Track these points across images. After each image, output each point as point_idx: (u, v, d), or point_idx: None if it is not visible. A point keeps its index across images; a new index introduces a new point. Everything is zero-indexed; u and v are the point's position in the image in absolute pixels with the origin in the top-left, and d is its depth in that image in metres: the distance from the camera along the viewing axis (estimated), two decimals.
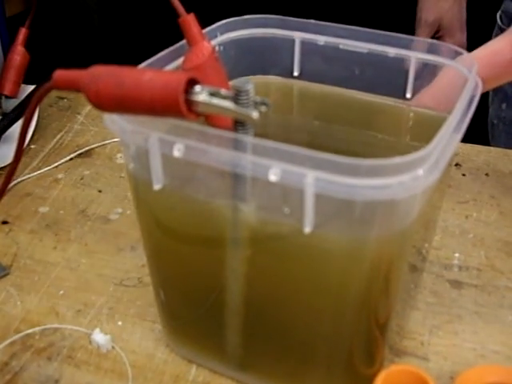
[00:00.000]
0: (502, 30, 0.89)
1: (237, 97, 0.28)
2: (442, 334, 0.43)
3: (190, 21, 0.37)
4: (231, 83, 0.28)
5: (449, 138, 0.31)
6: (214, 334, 0.39)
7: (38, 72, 0.67)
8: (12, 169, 0.39)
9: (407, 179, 0.28)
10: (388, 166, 0.27)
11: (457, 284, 0.47)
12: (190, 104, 0.28)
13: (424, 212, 0.33)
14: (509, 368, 0.39)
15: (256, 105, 0.28)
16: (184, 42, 0.38)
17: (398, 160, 0.27)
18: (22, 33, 0.64)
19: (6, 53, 0.65)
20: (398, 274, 0.34)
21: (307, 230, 0.29)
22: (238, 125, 0.29)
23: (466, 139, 1.05)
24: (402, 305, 0.41)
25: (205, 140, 0.29)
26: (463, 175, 0.58)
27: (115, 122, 0.32)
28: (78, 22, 0.92)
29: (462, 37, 0.86)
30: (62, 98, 0.72)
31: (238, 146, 0.29)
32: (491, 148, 0.63)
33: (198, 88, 0.28)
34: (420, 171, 0.28)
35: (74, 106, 0.70)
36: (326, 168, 0.27)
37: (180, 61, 0.38)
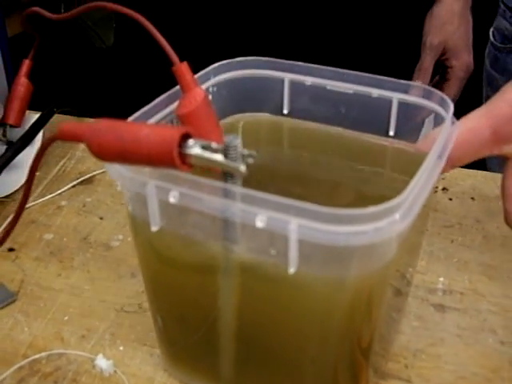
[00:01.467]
0: (494, 47, 0.91)
1: (226, 150, 0.31)
2: (425, 356, 0.46)
3: (183, 69, 0.40)
4: (223, 136, 0.31)
5: (424, 182, 0.34)
6: (208, 359, 0.42)
7: (39, 97, 0.70)
8: (21, 208, 0.42)
9: (383, 225, 0.30)
10: (364, 215, 0.30)
11: (440, 308, 0.50)
12: (184, 157, 0.31)
13: (407, 239, 0.36)
14: None
15: (244, 157, 0.31)
16: (178, 87, 0.41)
17: (373, 209, 0.30)
18: (26, 64, 0.67)
19: (10, 83, 0.68)
20: (379, 303, 0.37)
21: (291, 270, 0.32)
22: (228, 175, 0.32)
23: None
24: (387, 329, 0.44)
25: (198, 188, 0.32)
26: (450, 199, 0.61)
27: (115, 169, 0.35)
28: (79, 52, 0.96)
29: (469, 58, 0.88)
30: None
31: (227, 194, 0.32)
32: (478, 172, 0.65)
33: (191, 142, 0.31)
34: (395, 216, 0.31)
35: None
36: (308, 216, 0.30)
37: (175, 105, 0.41)
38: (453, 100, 0.93)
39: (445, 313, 0.49)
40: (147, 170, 0.34)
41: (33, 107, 0.69)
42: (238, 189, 0.32)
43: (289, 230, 0.30)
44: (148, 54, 0.40)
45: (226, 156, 0.31)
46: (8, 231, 0.43)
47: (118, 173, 0.35)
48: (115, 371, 0.45)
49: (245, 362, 0.40)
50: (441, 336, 0.47)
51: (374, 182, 0.45)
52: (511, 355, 0.46)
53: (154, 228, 0.35)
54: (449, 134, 0.38)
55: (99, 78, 0.97)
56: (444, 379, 0.44)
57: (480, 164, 0.75)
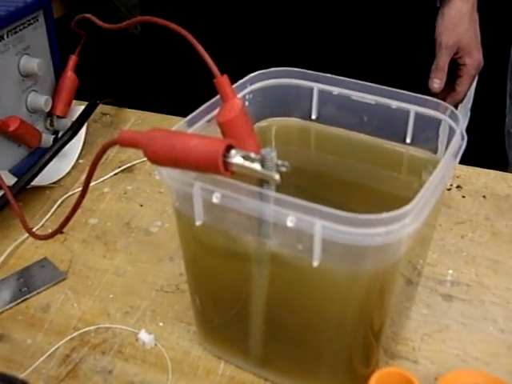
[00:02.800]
0: None
1: (263, 161, 0.37)
2: (431, 341, 0.52)
3: (223, 81, 0.46)
4: (258, 143, 0.37)
5: (432, 190, 0.40)
6: (239, 336, 0.48)
7: (83, 88, 0.76)
8: (80, 199, 0.48)
9: (394, 228, 0.36)
10: (378, 219, 0.36)
11: (448, 298, 0.56)
12: (227, 165, 0.37)
13: (418, 234, 0.42)
14: (485, 372, 0.48)
15: (278, 167, 0.37)
16: (218, 97, 0.47)
17: (386, 215, 0.36)
18: (72, 59, 0.74)
19: (58, 77, 0.74)
20: (390, 293, 0.43)
21: (315, 263, 0.38)
22: (264, 181, 0.38)
23: (483, 147, 1.13)
24: (398, 315, 0.50)
25: (237, 191, 0.39)
26: (463, 197, 0.67)
27: (166, 172, 0.41)
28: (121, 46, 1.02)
29: (479, 55, 0.94)
30: (105, 114, 0.81)
31: (263, 198, 0.38)
32: (491, 171, 0.71)
33: (233, 152, 0.37)
34: (405, 221, 0.37)
35: (116, 122, 0.80)
36: (331, 219, 0.36)
37: (215, 112, 0.47)
38: (464, 94, 0.98)
39: (452, 302, 0.55)
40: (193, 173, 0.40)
41: (78, 97, 0.76)
42: (272, 193, 0.38)
43: (314, 230, 0.37)
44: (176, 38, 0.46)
45: (262, 165, 0.37)
46: (68, 218, 0.50)
47: (169, 175, 0.41)
48: (156, 344, 0.52)
49: (271, 339, 0.47)
50: (447, 323, 0.53)
51: (391, 184, 0.51)
52: (510, 342, 0.52)
53: (198, 223, 0.41)
54: (457, 146, 0.44)
55: (134, 65, 1.03)
56: (447, 362, 0.50)
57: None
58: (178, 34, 0.47)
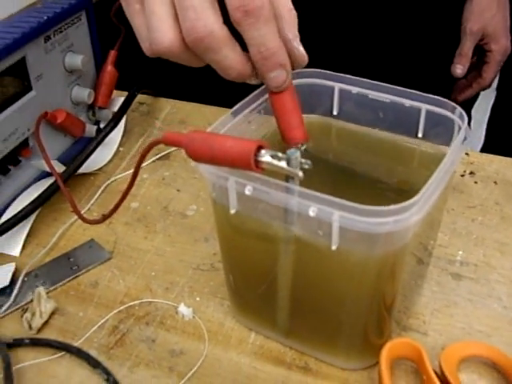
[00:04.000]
0: None
1: (289, 159, 0.44)
2: (440, 315, 0.59)
3: None
4: (287, 150, 0.44)
5: (436, 184, 0.46)
6: (268, 309, 0.55)
7: (123, 78, 0.84)
8: (128, 189, 0.55)
9: (401, 218, 0.43)
10: (387, 210, 0.43)
11: (457, 276, 0.62)
12: (258, 162, 0.44)
13: (428, 215, 0.48)
14: (486, 344, 0.55)
15: (301, 164, 0.44)
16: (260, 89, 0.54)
17: (393, 206, 0.43)
18: (112, 54, 0.81)
19: (98, 70, 0.82)
20: (399, 273, 0.50)
21: (334, 247, 0.45)
22: (289, 177, 0.45)
23: (500, 137, 1.18)
24: (410, 291, 0.57)
25: (266, 185, 0.45)
26: (475, 182, 0.73)
27: (205, 167, 0.48)
28: None
29: (507, 42, 0.98)
30: (142, 104, 0.89)
31: (289, 191, 0.45)
32: (503, 158, 0.77)
33: (263, 152, 0.44)
34: (411, 211, 0.44)
35: (152, 111, 0.87)
36: (347, 210, 0.43)
37: (258, 102, 0.55)
38: (490, 80, 1.03)
39: (460, 281, 0.62)
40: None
41: (117, 87, 0.83)
42: (296, 187, 0.45)
43: (332, 219, 0.44)
44: None
45: (288, 163, 0.44)
46: (117, 206, 0.57)
47: (207, 170, 0.48)
48: (193, 317, 0.59)
49: (295, 312, 0.54)
50: (455, 300, 0.60)
51: (404, 174, 0.58)
52: (511, 317, 0.58)
53: (232, 211, 0.49)
54: (460, 144, 0.51)
55: None
56: (454, 334, 0.57)
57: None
58: None
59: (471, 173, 0.75)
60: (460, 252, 0.65)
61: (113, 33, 0.81)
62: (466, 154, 0.77)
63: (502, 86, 1.21)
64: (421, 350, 0.51)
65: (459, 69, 0.96)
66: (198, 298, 0.61)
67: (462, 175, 0.74)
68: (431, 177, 0.46)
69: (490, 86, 1.03)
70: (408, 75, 0.91)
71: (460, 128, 0.53)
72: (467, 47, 0.98)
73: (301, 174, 0.44)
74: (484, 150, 1.24)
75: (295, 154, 0.44)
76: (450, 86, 1.04)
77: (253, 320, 0.58)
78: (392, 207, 0.43)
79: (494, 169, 0.75)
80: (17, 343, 0.57)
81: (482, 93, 1.06)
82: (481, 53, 1.00)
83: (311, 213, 0.44)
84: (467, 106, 1.10)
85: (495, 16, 0.97)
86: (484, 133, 1.27)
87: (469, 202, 0.71)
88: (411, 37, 0.99)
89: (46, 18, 0.71)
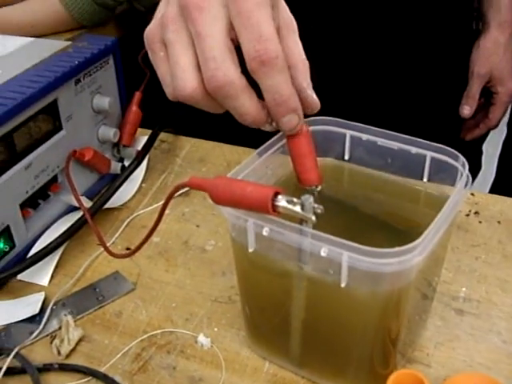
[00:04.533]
0: None
1: (303, 205, 0.49)
2: (443, 348, 0.63)
3: None
4: (302, 196, 0.49)
5: (437, 227, 0.51)
6: (281, 340, 0.60)
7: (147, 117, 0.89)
8: (155, 225, 0.60)
9: (405, 259, 0.48)
10: (392, 252, 0.47)
11: (460, 312, 0.67)
12: (275, 207, 0.49)
13: (432, 254, 0.53)
14: (486, 375, 0.59)
15: (314, 209, 0.49)
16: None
17: (398, 248, 0.47)
18: (137, 96, 0.87)
19: (124, 110, 0.87)
20: (404, 308, 0.54)
21: (343, 284, 0.50)
22: (303, 220, 0.50)
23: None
24: (415, 325, 0.62)
25: (282, 227, 0.50)
26: (480, 222, 0.78)
27: (226, 209, 0.53)
28: None
29: None
30: (164, 141, 0.94)
31: (302, 233, 0.50)
32: (507, 198, 0.81)
33: (280, 197, 0.49)
34: (414, 253, 0.48)
35: (173, 149, 0.93)
36: (355, 251, 0.48)
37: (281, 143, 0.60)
38: (497, 120, 1.08)
39: (463, 316, 0.66)
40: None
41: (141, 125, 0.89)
42: (309, 230, 0.50)
43: (342, 260, 0.48)
44: None
45: (302, 208, 0.49)
46: (143, 242, 0.62)
47: (228, 211, 0.53)
48: (211, 346, 0.64)
49: (307, 343, 0.58)
50: (457, 334, 0.64)
51: (410, 214, 0.62)
52: (510, 351, 0.63)
53: (250, 249, 0.54)
54: (461, 190, 0.55)
55: None
56: (456, 366, 0.61)
57: None
58: None
59: (476, 212, 0.79)
60: (463, 289, 0.69)
61: (138, 75, 0.86)
62: (472, 194, 0.82)
63: None
64: (424, 380, 0.56)
65: (466, 110, 1.01)
66: (215, 329, 0.65)
67: (467, 215, 0.79)
68: (433, 221, 0.51)
69: (497, 126, 1.08)
70: (417, 116, 0.96)
71: (462, 175, 0.57)
72: (474, 89, 1.03)
73: (313, 218, 0.49)
74: (495, 184, 1.28)
75: (309, 199, 0.49)
76: (458, 125, 1.09)
77: (267, 350, 0.62)
78: (396, 249, 0.48)
79: (498, 209, 0.80)
80: (46, 368, 0.62)
81: None
82: (488, 94, 1.05)
83: (322, 253, 0.49)
84: (479, 140, 1.16)
85: (502, 60, 1.02)
86: (496, 166, 1.31)
87: (473, 240, 0.75)
88: (421, 79, 1.04)
89: (76, 62, 0.77)
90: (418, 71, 1.04)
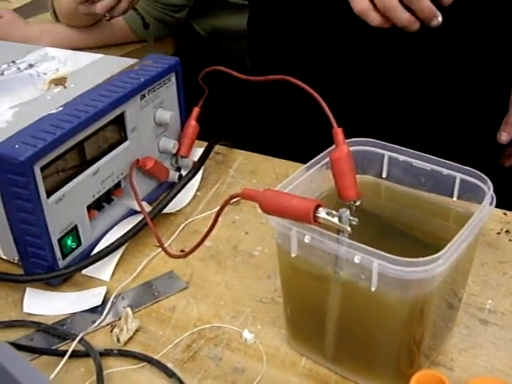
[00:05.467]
0: None
1: (340, 217, 0.56)
2: (466, 354, 0.69)
3: (338, 131, 0.65)
4: (340, 210, 0.56)
5: (460, 241, 0.57)
6: (317, 338, 0.67)
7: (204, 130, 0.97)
8: (208, 232, 0.67)
9: (429, 268, 0.55)
10: (418, 261, 0.54)
11: (484, 322, 0.73)
12: (316, 218, 0.56)
13: (456, 266, 0.59)
14: (503, 381, 0.65)
15: (350, 221, 0.56)
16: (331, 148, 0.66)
17: (424, 258, 0.54)
18: (195, 111, 0.95)
19: (183, 124, 0.95)
20: (428, 313, 0.60)
21: (373, 289, 0.57)
22: (340, 230, 0.57)
23: None
24: (441, 332, 0.68)
25: (322, 236, 0.58)
26: (510, 240, 0.84)
27: (273, 218, 0.60)
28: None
29: None
30: (218, 153, 1.02)
31: (339, 241, 0.57)
32: None
33: (320, 209, 0.56)
34: (438, 263, 0.55)
35: (226, 160, 1.01)
36: (385, 260, 0.55)
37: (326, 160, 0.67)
38: None
39: (487, 326, 0.72)
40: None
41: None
42: (345, 239, 0.57)
43: (373, 266, 0.55)
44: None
45: (339, 220, 0.56)
46: (198, 245, 0.69)
47: (274, 220, 0.60)
48: (255, 341, 0.71)
49: (341, 342, 0.65)
50: (480, 342, 0.70)
51: (439, 230, 0.69)
52: None
53: (293, 255, 0.61)
54: (485, 208, 0.62)
55: (245, 110, 1.24)
56: (476, 371, 0.67)
57: None
58: (297, 88, 0.66)
59: (507, 231, 0.85)
60: (489, 301, 0.75)
61: (196, 91, 0.94)
62: (504, 214, 0.88)
63: None
64: (445, 381, 0.62)
65: (504, 136, 1.06)
66: (259, 326, 0.73)
67: (499, 233, 0.84)
68: (456, 235, 0.57)
69: None
70: (454, 139, 1.02)
71: (487, 194, 0.64)
72: None
73: (349, 229, 0.56)
74: None
75: (346, 212, 0.56)
76: (495, 150, 1.15)
77: (304, 347, 0.69)
78: (421, 259, 0.54)
79: None
80: (107, 353, 0.70)
81: None
82: None
83: (356, 260, 0.56)
84: None
85: None
86: None
87: (502, 257, 0.81)
88: (460, 104, 1.11)
89: (142, 80, 0.85)
90: (458, 96, 1.10)
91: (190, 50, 1.57)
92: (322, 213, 0.56)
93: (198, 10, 1.54)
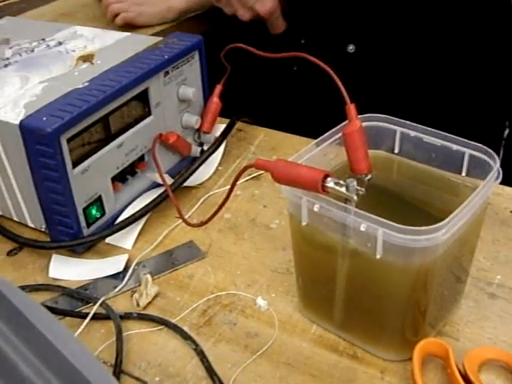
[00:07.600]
0: None
1: (347, 186, 0.59)
2: (472, 326, 0.71)
3: (351, 108, 0.67)
4: (347, 179, 0.59)
5: (463, 213, 0.60)
6: (327, 305, 0.70)
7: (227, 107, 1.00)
8: (222, 204, 0.71)
9: (432, 237, 0.57)
10: (421, 230, 0.57)
11: (492, 296, 0.75)
12: (324, 187, 0.59)
13: (461, 237, 0.62)
14: (504, 350, 0.67)
15: (357, 191, 0.59)
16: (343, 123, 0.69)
17: (426, 227, 0.57)
18: (218, 88, 0.98)
19: (206, 101, 0.99)
20: (432, 282, 0.63)
21: (378, 256, 0.59)
22: (347, 199, 0.60)
23: None
24: (447, 303, 0.71)
25: (330, 204, 0.60)
26: None
27: (285, 188, 0.63)
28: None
29: None
30: (240, 130, 1.05)
31: (346, 210, 0.60)
32: None
33: (328, 179, 0.59)
34: (441, 232, 0.58)
35: (248, 137, 1.04)
36: (389, 228, 0.57)
37: (337, 136, 0.69)
38: None
39: (495, 300, 0.74)
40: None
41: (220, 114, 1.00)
42: (352, 208, 0.60)
43: (378, 234, 0.58)
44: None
45: (347, 189, 0.59)
46: (214, 214, 0.73)
47: (286, 190, 0.63)
48: (268, 308, 0.74)
49: (349, 310, 0.68)
50: (487, 315, 0.73)
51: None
52: None
53: (304, 223, 0.64)
54: (490, 182, 0.64)
55: (267, 87, 1.27)
56: (481, 342, 0.70)
57: None
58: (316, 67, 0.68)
59: None
60: (498, 276, 0.77)
61: (219, 69, 0.97)
62: None
63: None
64: (448, 349, 0.65)
65: None
66: (273, 295, 0.76)
67: (511, 212, 0.87)
68: (459, 206, 0.60)
69: None
70: (464, 115, 1.04)
71: (492, 168, 0.66)
72: None
73: (355, 198, 0.59)
74: None
75: (353, 182, 0.59)
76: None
77: (315, 314, 0.72)
78: (424, 228, 0.57)
79: None
80: (127, 316, 0.74)
81: None
82: None
83: (362, 228, 0.59)
84: None
85: None
86: None
87: None
88: (473, 80, 1.13)
89: (166, 57, 0.89)
90: (469, 72, 1.12)
91: (217, 32, 1.59)
92: (331, 182, 0.59)
93: None
